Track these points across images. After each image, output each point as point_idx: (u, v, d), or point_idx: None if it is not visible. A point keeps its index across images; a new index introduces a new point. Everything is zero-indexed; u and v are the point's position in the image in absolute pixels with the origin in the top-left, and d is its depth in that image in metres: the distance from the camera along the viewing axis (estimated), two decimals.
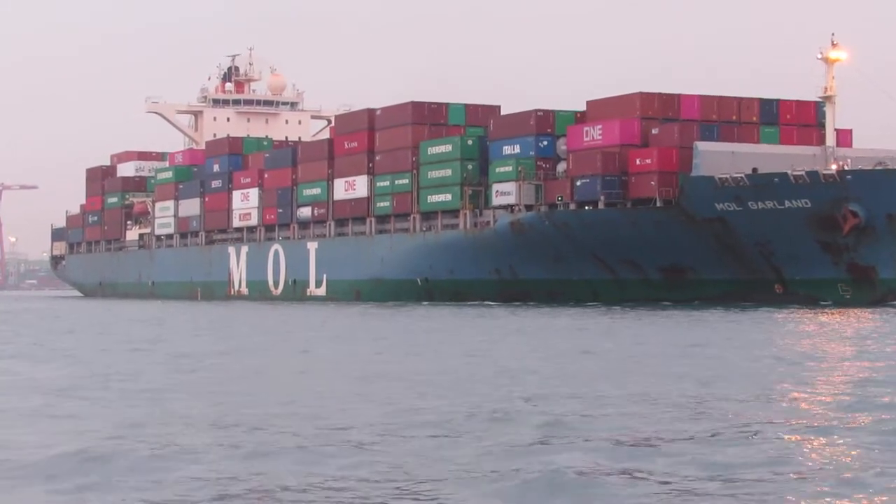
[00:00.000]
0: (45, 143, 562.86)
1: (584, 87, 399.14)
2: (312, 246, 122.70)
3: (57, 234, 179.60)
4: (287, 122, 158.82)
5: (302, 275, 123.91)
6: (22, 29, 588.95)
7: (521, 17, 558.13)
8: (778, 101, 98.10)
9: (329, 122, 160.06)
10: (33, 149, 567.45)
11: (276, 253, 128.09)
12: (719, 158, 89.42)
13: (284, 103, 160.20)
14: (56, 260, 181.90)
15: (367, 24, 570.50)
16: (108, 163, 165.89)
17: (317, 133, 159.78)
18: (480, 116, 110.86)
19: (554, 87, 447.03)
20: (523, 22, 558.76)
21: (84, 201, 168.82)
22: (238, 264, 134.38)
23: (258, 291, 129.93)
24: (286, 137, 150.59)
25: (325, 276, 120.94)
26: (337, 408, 24.89)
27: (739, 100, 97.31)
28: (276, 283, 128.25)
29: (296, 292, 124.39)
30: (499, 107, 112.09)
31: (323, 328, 62.41)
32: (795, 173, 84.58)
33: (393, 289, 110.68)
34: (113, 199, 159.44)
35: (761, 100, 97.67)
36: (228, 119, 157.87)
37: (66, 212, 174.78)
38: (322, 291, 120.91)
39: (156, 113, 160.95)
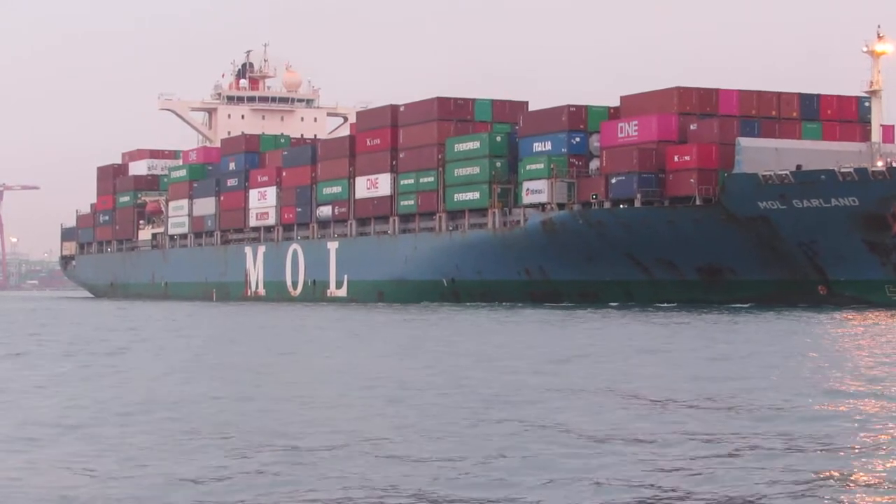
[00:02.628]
0: (46, 142, 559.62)
1: (610, 82, 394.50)
2: (333, 246, 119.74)
3: (67, 234, 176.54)
4: (303, 119, 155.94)
5: (322, 275, 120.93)
6: (24, 23, 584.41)
7: (544, 11, 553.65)
8: (818, 95, 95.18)
9: (345, 119, 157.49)
10: (36, 148, 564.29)
11: (295, 253, 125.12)
12: (762, 155, 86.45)
13: (300, 100, 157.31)
14: (66, 260, 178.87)
15: (383, 19, 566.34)
16: (116, 161, 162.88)
17: (333, 130, 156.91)
18: (508, 112, 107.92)
19: (581, 82, 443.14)
20: (546, 15, 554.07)
21: (91, 201, 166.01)
22: (255, 264, 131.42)
23: (276, 292, 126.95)
24: (302, 135, 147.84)
25: (346, 276, 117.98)
26: None
27: (779, 95, 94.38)
28: (294, 284, 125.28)
29: (315, 293, 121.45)
30: (526, 102, 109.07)
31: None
32: (843, 170, 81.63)
33: (417, 289, 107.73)
34: (125, 198, 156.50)
35: (801, 95, 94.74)
36: (243, 116, 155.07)
37: (77, 211, 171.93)
38: (343, 292, 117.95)
39: (169, 110, 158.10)
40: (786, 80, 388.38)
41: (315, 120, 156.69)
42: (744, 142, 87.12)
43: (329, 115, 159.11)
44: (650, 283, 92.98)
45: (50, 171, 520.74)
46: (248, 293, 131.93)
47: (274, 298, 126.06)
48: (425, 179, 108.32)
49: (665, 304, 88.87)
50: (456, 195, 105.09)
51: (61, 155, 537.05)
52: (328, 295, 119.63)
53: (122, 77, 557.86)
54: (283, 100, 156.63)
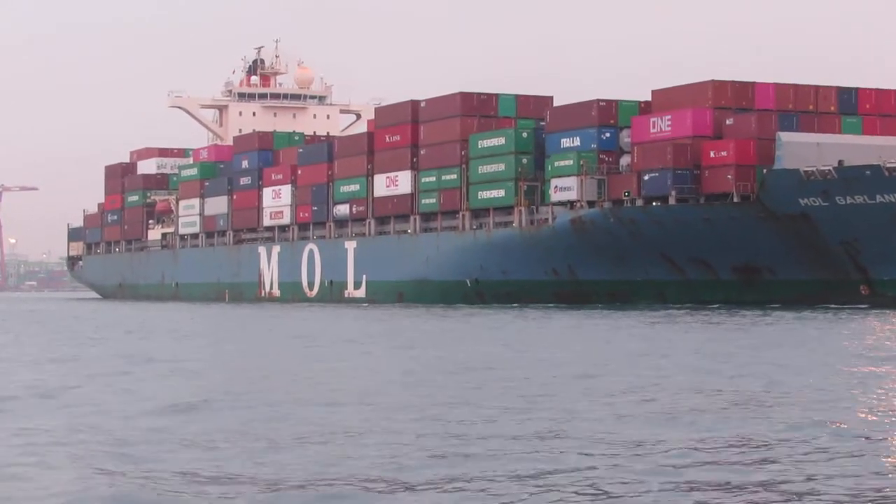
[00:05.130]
0: (46, 141, 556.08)
1: (635, 77, 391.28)
2: (351, 245, 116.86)
3: (74, 234, 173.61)
4: (315, 116, 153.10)
5: (339, 276, 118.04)
6: (22, 15, 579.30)
7: (563, 4, 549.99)
8: (856, 89, 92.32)
9: (358, 116, 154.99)
10: (34, 147, 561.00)
11: (311, 253, 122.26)
12: (803, 150, 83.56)
13: (312, 97, 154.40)
14: (73, 260, 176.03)
15: (396, 14, 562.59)
16: (122, 160, 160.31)
17: (346, 128, 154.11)
18: (532, 108, 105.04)
19: (605, 76, 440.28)
20: (565, 9, 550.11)
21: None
22: (269, 265, 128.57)
23: (291, 293, 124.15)
24: (314, 132, 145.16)
25: (364, 276, 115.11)
26: None
27: (816, 88, 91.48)
28: (310, 285, 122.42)
29: (332, 294, 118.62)
30: (551, 97, 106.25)
31: None
32: (889, 165, 78.78)
33: (439, 290, 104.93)
34: (133, 198, 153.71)
35: (839, 88, 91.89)
36: (254, 114, 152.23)
37: (84, 211, 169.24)
38: (361, 293, 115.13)
39: (179, 108, 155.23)
40: (813, 72, 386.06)
41: (328, 117, 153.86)
42: (784, 136, 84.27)
43: (342, 112, 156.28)
44: (684, 283, 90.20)
45: (48, 172, 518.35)
46: (262, 294, 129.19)
47: (289, 299, 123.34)
48: (448, 177, 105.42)
49: (713, 305, 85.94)
50: (480, 193, 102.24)
51: (61, 154, 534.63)
52: (346, 296, 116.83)
53: (126, 74, 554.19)
54: (296, 97, 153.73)
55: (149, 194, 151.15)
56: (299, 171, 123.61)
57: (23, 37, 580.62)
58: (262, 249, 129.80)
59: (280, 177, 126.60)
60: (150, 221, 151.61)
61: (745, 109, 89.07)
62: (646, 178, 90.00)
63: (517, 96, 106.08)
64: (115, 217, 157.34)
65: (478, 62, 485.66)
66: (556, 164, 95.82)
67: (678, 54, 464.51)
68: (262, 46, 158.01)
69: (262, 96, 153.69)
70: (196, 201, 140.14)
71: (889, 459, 18.60)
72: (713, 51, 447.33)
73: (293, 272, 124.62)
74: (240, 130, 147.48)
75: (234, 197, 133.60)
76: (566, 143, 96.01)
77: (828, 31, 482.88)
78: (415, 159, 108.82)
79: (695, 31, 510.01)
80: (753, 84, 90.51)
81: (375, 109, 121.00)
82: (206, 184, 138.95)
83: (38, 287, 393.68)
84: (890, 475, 17.29)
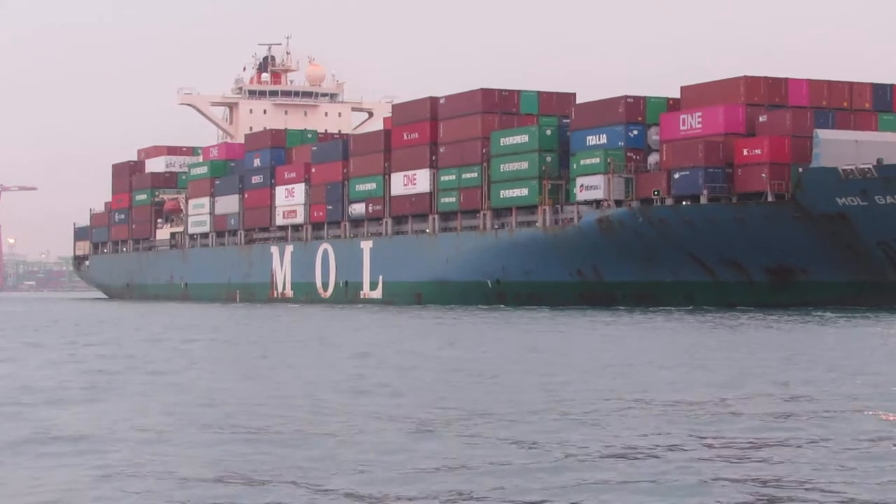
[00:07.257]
0: (45, 141, 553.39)
1: (654, 73, 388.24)
2: (367, 245, 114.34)
3: (80, 234, 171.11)
4: (327, 114, 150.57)
5: (354, 276, 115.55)
6: (27, 15, 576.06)
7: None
8: (891, 85, 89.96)
9: (370, 114, 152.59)
10: (34, 147, 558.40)
11: (325, 253, 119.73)
12: (841, 148, 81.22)
13: (324, 95, 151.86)
14: (79, 260, 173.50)
15: (409, 8, 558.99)
16: (128, 158, 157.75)
17: (358, 126, 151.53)
18: (555, 104, 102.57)
19: (625, 72, 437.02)
20: (577, 6, 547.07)
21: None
22: (282, 265, 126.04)
23: (305, 294, 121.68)
24: (326, 130, 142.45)
25: (380, 277, 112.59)
26: None
27: (851, 85, 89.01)
28: (325, 285, 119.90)
29: (348, 295, 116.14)
30: (574, 94, 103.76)
31: None
32: None
33: (459, 291, 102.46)
34: (142, 196, 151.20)
35: (874, 85, 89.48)
36: (265, 111, 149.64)
37: (90, 210, 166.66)
38: (378, 294, 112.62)
39: (189, 105, 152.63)
40: (827, 69, 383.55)
41: (339, 115, 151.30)
42: (822, 134, 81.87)
43: (354, 109, 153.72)
44: (714, 284, 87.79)
45: (48, 171, 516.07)
46: (275, 294, 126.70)
47: (302, 300, 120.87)
48: (468, 175, 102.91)
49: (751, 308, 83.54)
50: (502, 192, 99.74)
51: (61, 154, 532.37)
52: (361, 297, 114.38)
53: (132, 72, 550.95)
54: (307, 94, 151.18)
55: (157, 193, 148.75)
56: (313, 170, 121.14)
57: (25, 35, 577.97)
58: (274, 249, 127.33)
59: (293, 175, 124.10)
60: (159, 220, 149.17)
61: (777, 106, 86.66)
62: (676, 176, 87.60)
63: (539, 93, 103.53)
64: (123, 216, 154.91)
65: (492, 59, 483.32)
66: (582, 162, 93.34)
67: (693, 53, 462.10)
68: (273, 43, 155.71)
69: (273, 94, 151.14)
70: (206, 200, 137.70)
71: None
72: (727, 49, 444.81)
73: (307, 272, 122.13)
74: (250, 128, 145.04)
75: (246, 196, 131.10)
76: (592, 140, 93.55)
77: (842, 27, 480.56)
78: (434, 157, 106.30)
79: (710, 30, 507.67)
80: (786, 80, 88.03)
81: (393, 106, 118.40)
82: (217, 182, 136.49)
83: (37, 287, 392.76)
84: None
